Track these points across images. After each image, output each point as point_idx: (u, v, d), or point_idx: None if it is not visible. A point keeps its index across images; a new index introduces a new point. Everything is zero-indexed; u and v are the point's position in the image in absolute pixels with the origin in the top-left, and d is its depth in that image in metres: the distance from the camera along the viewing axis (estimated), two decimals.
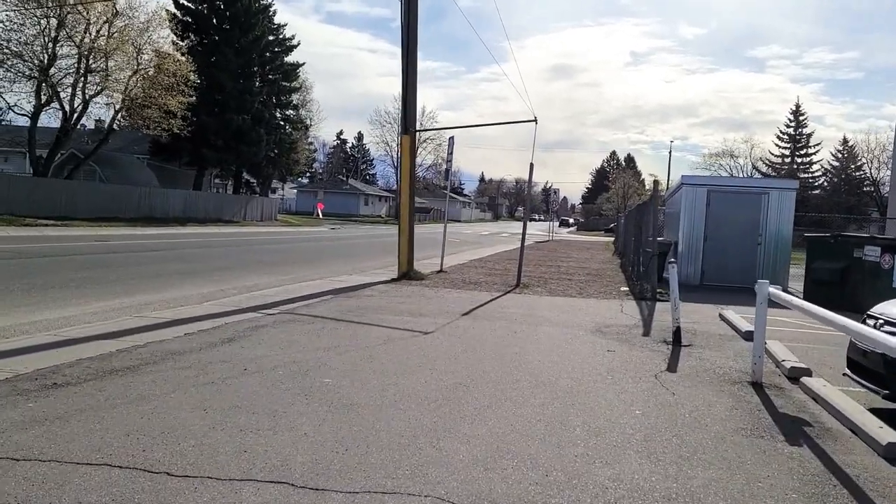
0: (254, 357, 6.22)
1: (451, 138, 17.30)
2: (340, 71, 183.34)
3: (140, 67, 31.85)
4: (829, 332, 9.34)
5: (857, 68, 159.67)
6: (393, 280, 14.15)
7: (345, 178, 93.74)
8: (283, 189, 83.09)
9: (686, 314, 10.10)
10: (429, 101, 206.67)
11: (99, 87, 30.94)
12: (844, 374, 6.02)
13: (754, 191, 17.16)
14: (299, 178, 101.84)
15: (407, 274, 14.61)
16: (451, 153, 17.35)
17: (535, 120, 13.93)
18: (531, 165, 14.00)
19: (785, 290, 17.23)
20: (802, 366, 6.82)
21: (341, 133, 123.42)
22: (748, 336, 8.91)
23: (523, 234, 14.67)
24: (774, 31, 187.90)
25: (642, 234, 15.89)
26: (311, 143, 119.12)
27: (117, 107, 32.56)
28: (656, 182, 12.34)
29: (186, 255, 18.26)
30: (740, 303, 13.23)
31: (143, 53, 31.87)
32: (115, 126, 35.19)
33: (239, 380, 5.41)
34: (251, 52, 42.74)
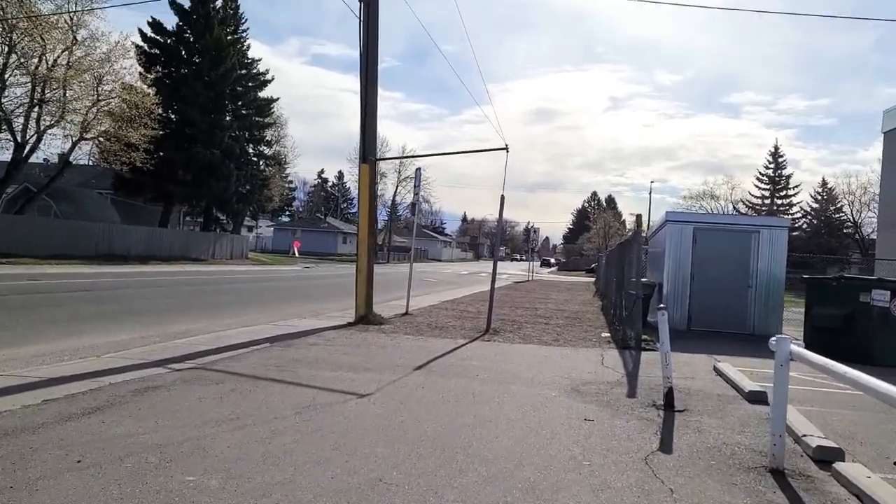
0: (107, 438, 4.64)
1: (418, 169, 15.95)
2: (324, 111, 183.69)
3: (100, 99, 30.36)
4: (844, 390, 7.92)
5: (829, 114, 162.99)
6: (348, 325, 12.62)
7: (322, 217, 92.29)
8: (257, 227, 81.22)
9: (677, 367, 8.67)
10: (412, 142, 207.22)
11: (54, 119, 29.33)
12: None
13: (744, 229, 15.90)
14: (278, 216, 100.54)
15: (365, 317, 13.08)
16: (419, 185, 15.99)
17: (507, 148, 12.63)
18: (502, 198, 12.66)
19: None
20: (832, 445, 5.34)
21: (322, 172, 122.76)
22: (752, 398, 7.46)
23: (493, 273, 13.23)
24: (749, 79, 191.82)
25: (624, 274, 14.53)
26: (289, 181, 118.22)
27: (74, 139, 30.94)
28: (639, 217, 11.02)
29: (123, 295, 16.58)
30: (734, 352, 11.83)
31: (103, 84, 30.43)
32: (70, 160, 33.50)
33: (58, 480, 3.83)
34: (222, 85, 41.47)
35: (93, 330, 10.45)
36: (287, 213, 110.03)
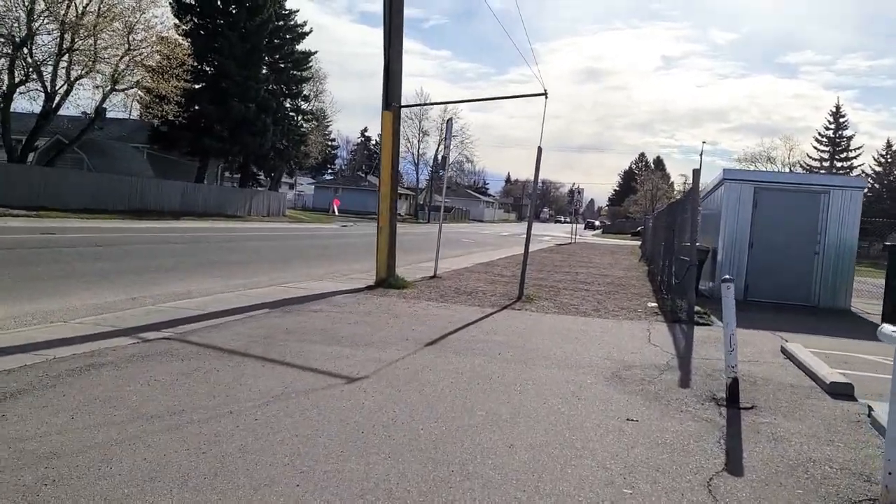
0: None
1: (449, 120, 14.60)
2: (371, 70, 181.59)
3: (131, 48, 29.48)
4: None
5: (892, 75, 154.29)
6: (366, 289, 11.49)
7: (364, 175, 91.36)
8: (297, 185, 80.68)
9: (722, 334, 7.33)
10: (460, 103, 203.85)
11: (84, 69, 28.57)
12: None
13: (813, 189, 14.17)
14: (320, 174, 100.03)
15: (385, 281, 11.93)
16: (450, 137, 14.67)
17: (546, 94, 11.18)
18: (539, 150, 11.25)
19: (848, 310, 14.31)
20: None
21: (366, 130, 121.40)
22: (836, 391, 6.07)
23: (528, 234, 11.90)
24: (808, 37, 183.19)
25: (675, 238, 13.06)
26: (332, 139, 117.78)
27: (105, 90, 30.22)
28: (696, 172, 9.50)
29: (135, 251, 15.74)
30: (800, 328, 10.37)
31: (134, 33, 29.52)
32: (104, 112, 32.84)
33: None
34: (257, 36, 40.31)
35: (82, 289, 9.51)
36: (329, 171, 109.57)
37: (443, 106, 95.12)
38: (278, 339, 6.75)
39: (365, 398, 4.85)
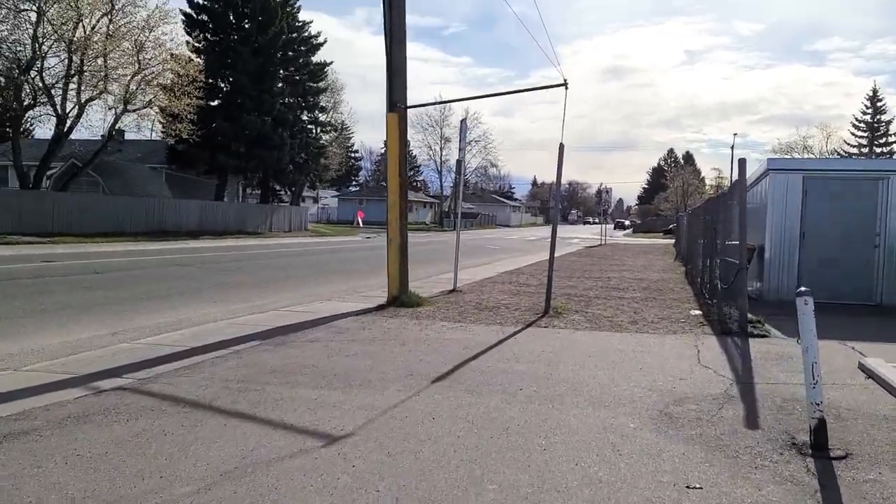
0: None
1: (463, 121, 13.50)
2: None
3: (142, 68, 28.93)
4: None
5: None
6: (377, 308, 10.43)
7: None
8: (318, 198, 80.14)
9: (797, 360, 6.12)
10: (480, 107, 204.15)
11: (95, 91, 28.06)
12: None
13: (870, 175, 12.79)
14: (345, 186, 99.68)
15: (397, 299, 10.85)
16: (464, 139, 13.55)
17: (566, 84, 10.02)
18: (561, 146, 10.08)
19: None
20: None
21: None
22: None
23: (553, 239, 10.72)
24: (835, 23, 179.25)
25: (717, 236, 11.80)
26: (354, 150, 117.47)
27: (118, 111, 29.69)
28: (742, 162, 8.21)
29: (133, 277, 14.84)
30: (869, 333, 9.09)
31: (144, 52, 28.96)
32: (117, 133, 32.38)
33: None
34: (270, 50, 39.67)
35: (57, 326, 8.58)
36: (354, 183, 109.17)
37: (465, 111, 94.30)
38: (257, 382, 5.69)
39: (343, 470, 3.75)
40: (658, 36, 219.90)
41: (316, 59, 45.22)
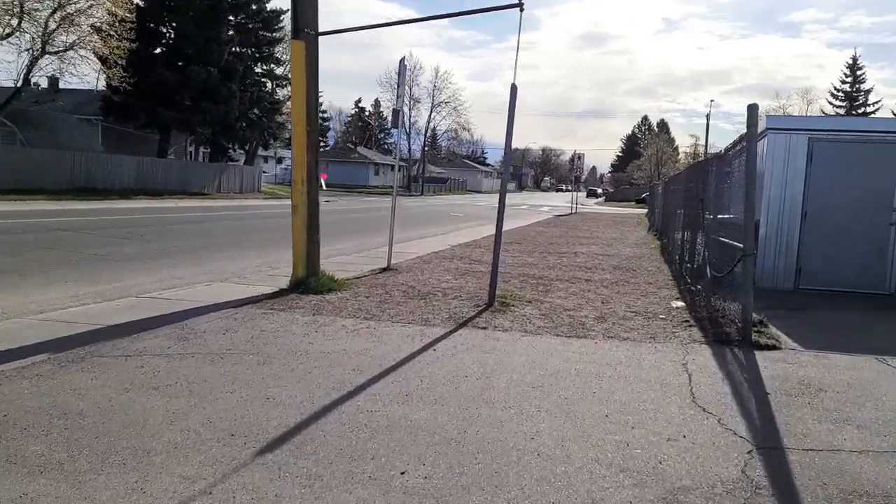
0: None
1: (402, 61, 10.97)
2: (368, 41, 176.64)
3: (62, 4, 25.59)
4: None
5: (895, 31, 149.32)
6: (272, 296, 8.04)
7: (353, 147, 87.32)
8: (277, 158, 76.42)
9: (832, 392, 3.90)
10: (457, 70, 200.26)
11: (4, 29, 24.75)
12: None
13: (889, 138, 10.60)
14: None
15: (303, 283, 8.45)
16: (403, 84, 11.07)
17: (522, 5, 7.58)
18: (513, 87, 7.67)
19: None
20: None
21: (359, 101, 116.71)
22: None
23: (500, 211, 8.31)
24: None
25: (706, 208, 9.61)
26: (323, 109, 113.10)
27: (36, 53, 26.40)
28: (754, 107, 5.74)
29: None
30: (891, 338, 6.96)
31: None
32: (40, 80, 29.07)
33: None
34: None
35: None
36: (322, 143, 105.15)
37: (434, 70, 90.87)
38: None
39: None
40: (637, 3, 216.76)
41: (271, 6, 41.76)
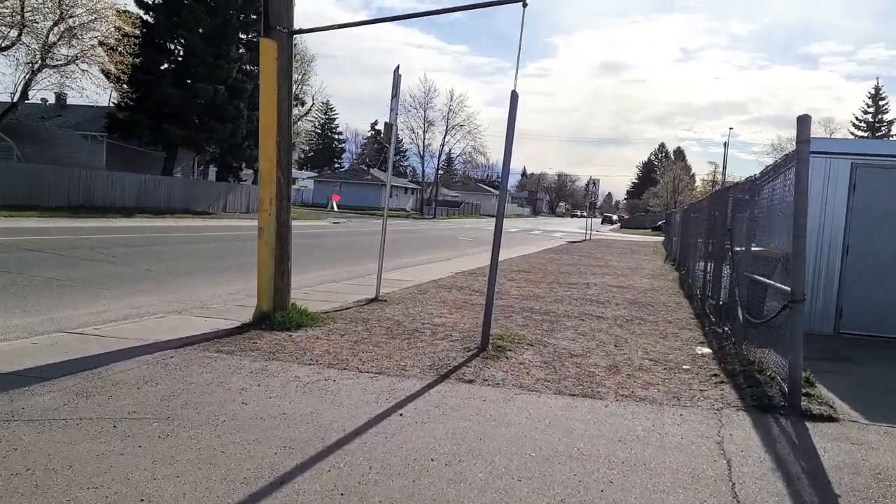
0: None
1: (396, 70, 9.90)
2: (388, 66, 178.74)
3: (64, 16, 24.91)
4: None
5: None
6: (230, 332, 6.88)
7: (366, 168, 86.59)
8: (293, 179, 75.91)
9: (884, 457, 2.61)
10: (475, 96, 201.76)
11: (4, 41, 24.03)
12: None
13: None
14: (328, 169, 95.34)
15: (268, 317, 7.28)
16: (397, 94, 9.98)
17: (525, 1, 6.48)
18: (514, 94, 6.52)
19: None
20: None
21: (375, 123, 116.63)
22: None
23: (495, 242, 7.08)
24: (830, 27, 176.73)
25: (731, 241, 8.44)
26: (338, 132, 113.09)
27: (35, 66, 25.65)
28: (804, 119, 4.49)
29: None
30: None
31: None
32: (40, 95, 28.32)
33: None
34: (229, 9, 35.67)
35: None
36: (337, 166, 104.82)
37: (450, 94, 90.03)
38: None
39: None
40: (654, 32, 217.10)
41: None
